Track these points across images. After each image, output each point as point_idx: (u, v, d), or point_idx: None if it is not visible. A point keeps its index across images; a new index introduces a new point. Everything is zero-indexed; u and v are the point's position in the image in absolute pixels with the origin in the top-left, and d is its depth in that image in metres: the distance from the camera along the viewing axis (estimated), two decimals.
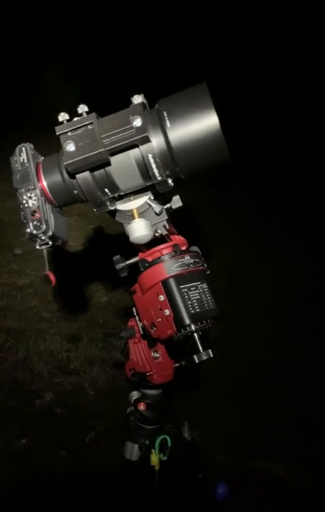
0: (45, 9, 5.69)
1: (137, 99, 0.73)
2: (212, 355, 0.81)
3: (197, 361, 0.81)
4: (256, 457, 1.97)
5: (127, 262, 0.89)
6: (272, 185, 4.46)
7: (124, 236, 0.86)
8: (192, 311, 0.80)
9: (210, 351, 0.81)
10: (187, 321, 0.80)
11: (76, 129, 0.73)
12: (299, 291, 3.07)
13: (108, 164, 0.75)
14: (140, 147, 0.73)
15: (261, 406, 2.21)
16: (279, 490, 1.85)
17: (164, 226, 0.86)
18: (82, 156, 0.71)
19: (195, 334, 0.81)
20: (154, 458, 0.97)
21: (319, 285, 3.12)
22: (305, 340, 2.63)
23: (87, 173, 0.75)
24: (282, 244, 3.61)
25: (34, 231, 0.76)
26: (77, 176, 0.75)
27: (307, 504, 1.82)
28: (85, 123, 0.72)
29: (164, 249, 0.86)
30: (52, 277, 0.79)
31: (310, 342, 2.62)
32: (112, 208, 0.83)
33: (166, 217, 0.86)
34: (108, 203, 0.80)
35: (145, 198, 0.84)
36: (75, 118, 0.74)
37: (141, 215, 0.84)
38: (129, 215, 0.85)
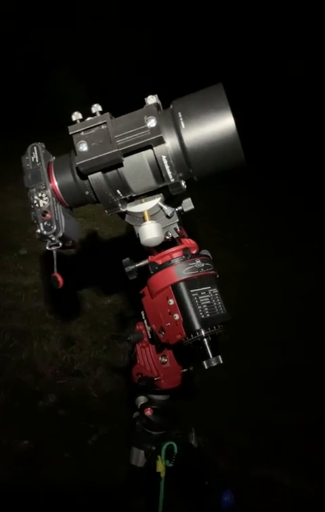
0: (52, 8, 5.69)
1: (151, 99, 0.72)
2: (222, 362, 0.79)
3: (206, 367, 0.79)
4: (259, 464, 1.95)
5: (137, 265, 0.88)
6: (280, 191, 4.44)
7: (132, 238, 0.85)
8: (202, 316, 0.79)
9: (220, 357, 0.80)
10: (197, 326, 0.78)
11: (89, 129, 0.72)
12: (305, 297, 3.04)
13: (121, 165, 0.74)
14: (154, 148, 0.71)
15: (265, 412, 2.19)
16: (282, 498, 1.83)
17: (175, 229, 0.85)
18: (95, 157, 0.70)
19: (205, 340, 0.79)
20: (160, 465, 0.95)
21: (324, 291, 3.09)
22: (310, 347, 2.61)
23: (99, 174, 0.74)
24: (289, 250, 3.58)
25: (45, 232, 0.75)
26: (89, 177, 0.74)
27: (310, 511, 1.80)
28: (99, 123, 0.71)
29: (175, 252, 0.85)
30: (60, 279, 0.78)
31: (315, 348, 2.60)
32: (123, 209, 0.82)
33: (177, 220, 0.85)
34: (120, 205, 0.79)
35: (156, 200, 0.83)
36: (88, 118, 0.73)
37: (152, 217, 0.83)
38: (140, 217, 0.83)
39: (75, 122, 0.73)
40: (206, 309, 0.80)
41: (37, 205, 0.75)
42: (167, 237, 0.84)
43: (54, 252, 0.78)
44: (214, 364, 0.79)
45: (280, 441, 2.05)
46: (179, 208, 0.85)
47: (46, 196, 0.75)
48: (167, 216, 0.84)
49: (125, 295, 2.84)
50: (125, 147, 0.70)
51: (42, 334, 2.47)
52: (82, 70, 5.20)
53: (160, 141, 0.70)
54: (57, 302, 2.70)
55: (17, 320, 2.54)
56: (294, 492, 1.85)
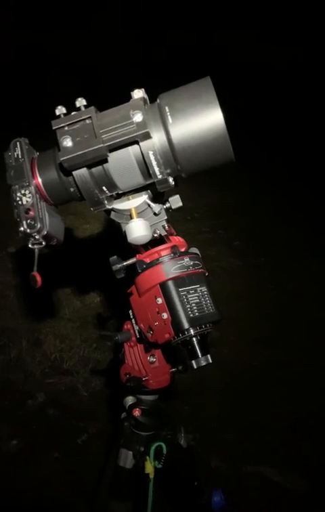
0: (42, 5, 5.64)
1: (138, 93, 0.70)
2: (211, 361, 0.78)
3: (195, 366, 0.78)
4: (250, 461, 1.94)
5: (124, 263, 0.86)
6: (270, 188, 4.43)
7: (120, 236, 0.83)
8: (191, 315, 0.77)
9: (209, 356, 0.78)
10: (186, 325, 0.77)
11: (73, 124, 0.69)
12: (295, 294, 3.05)
13: (106, 160, 0.72)
14: (140, 143, 0.69)
15: (255, 409, 2.18)
16: (273, 495, 1.83)
17: (164, 227, 0.83)
18: (80, 152, 0.68)
19: (194, 339, 0.78)
20: (149, 466, 0.94)
21: (314, 288, 3.10)
22: (300, 344, 2.61)
23: (84, 170, 0.72)
24: (279, 247, 3.58)
25: (28, 230, 0.73)
26: (74, 173, 0.72)
27: (301, 508, 1.79)
28: (83, 117, 0.69)
29: (163, 250, 0.84)
30: (38, 278, 0.76)
31: (305, 345, 2.60)
32: (110, 207, 0.80)
33: (165, 217, 0.84)
34: (106, 202, 0.77)
35: (144, 197, 0.81)
36: (73, 112, 0.71)
37: (139, 214, 0.81)
38: (127, 215, 0.82)
39: (59, 116, 0.71)
40: (194, 307, 0.78)
41: (20, 202, 0.73)
42: (155, 235, 0.82)
43: (36, 250, 0.76)
44: (204, 364, 0.78)
45: (271, 438, 2.05)
46: (167, 205, 0.84)
47: (29, 193, 0.73)
48: (155, 213, 0.82)
49: (114, 293, 2.82)
50: (111, 143, 0.68)
51: (31, 332, 2.45)
52: (72, 65, 5.16)
53: (147, 136, 0.69)
54: (47, 300, 2.67)
55: (6, 319, 2.52)
56: (285, 489, 1.85)
